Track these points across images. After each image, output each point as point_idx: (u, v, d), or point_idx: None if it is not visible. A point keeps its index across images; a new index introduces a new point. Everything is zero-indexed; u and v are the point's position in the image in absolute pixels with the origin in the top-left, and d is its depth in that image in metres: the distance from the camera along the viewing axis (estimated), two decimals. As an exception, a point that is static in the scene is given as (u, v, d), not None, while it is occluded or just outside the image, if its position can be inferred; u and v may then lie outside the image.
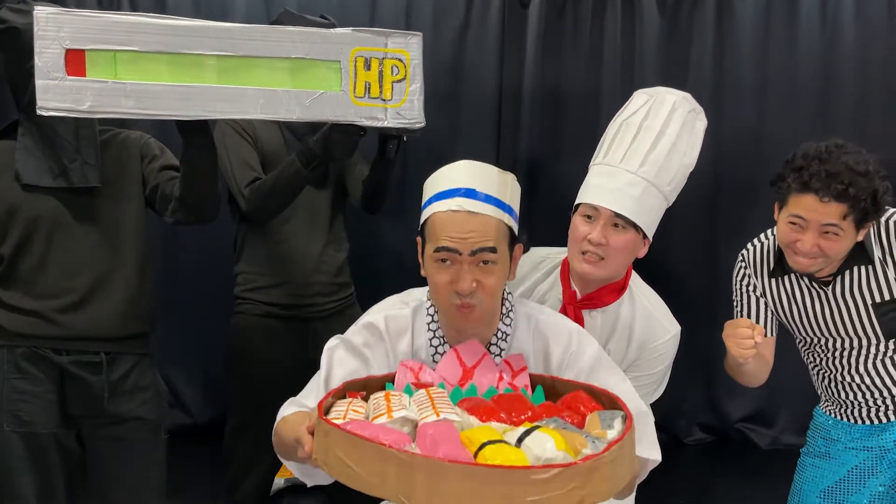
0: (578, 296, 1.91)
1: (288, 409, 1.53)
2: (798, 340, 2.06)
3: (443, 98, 3.46)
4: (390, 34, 1.85)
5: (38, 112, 1.68)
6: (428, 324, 1.58)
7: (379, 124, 1.88)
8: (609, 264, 1.85)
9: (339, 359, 1.54)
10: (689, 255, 3.56)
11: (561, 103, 3.48)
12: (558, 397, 1.46)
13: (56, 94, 1.69)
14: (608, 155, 1.91)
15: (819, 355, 2.02)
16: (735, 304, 2.07)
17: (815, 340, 1.99)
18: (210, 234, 3.01)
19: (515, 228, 1.55)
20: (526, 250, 1.63)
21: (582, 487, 1.16)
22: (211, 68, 1.77)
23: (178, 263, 3.52)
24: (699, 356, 3.56)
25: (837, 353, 1.98)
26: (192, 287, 3.49)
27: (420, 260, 1.55)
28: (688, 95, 2.00)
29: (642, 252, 1.91)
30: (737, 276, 2.05)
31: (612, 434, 1.31)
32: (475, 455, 1.19)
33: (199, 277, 3.46)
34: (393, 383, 1.48)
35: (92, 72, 1.71)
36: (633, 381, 1.89)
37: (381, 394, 1.39)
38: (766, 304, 2.02)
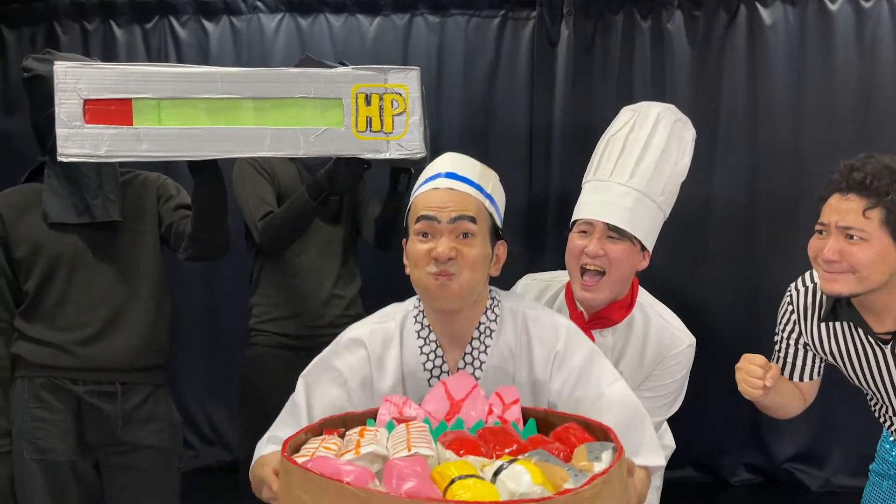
0: (586, 316, 1.90)
1: (266, 447, 1.50)
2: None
3: (474, 135, 3.52)
4: (389, 70, 1.91)
5: (59, 159, 1.80)
6: (417, 331, 1.55)
7: (381, 156, 1.93)
8: (610, 279, 1.83)
9: (320, 387, 1.52)
10: (729, 287, 3.47)
11: (592, 138, 3.43)
12: (552, 430, 1.40)
13: (75, 142, 1.80)
14: (598, 171, 1.93)
15: (879, 404, 1.83)
16: (776, 346, 1.88)
17: (874, 396, 1.81)
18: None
19: (499, 221, 1.54)
20: (510, 253, 1.60)
21: None
22: (248, 109, 1.86)
23: (220, 300, 3.62)
24: (743, 392, 3.46)
25: None
26: (232, 324, 3.58)
27: (405, 262, 1.54)
28: (672, 106, 2.00)
29: (642, 265, 1.89)
30: (781, 319, 1.85)
31: (598, 467, 1.22)
32: (444, 491, 1.13)
33: (242, 314, 3.54)
34: (375, 419, 1.43)
35: (138, 119, 1.82)
36: (650, 395, 1.88)
37: (356, 429, 1.35)
38: (813, 354, 1.83)
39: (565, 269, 1.91)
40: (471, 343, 1.54)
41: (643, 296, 1.97)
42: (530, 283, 2.06)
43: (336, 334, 2.35)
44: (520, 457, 1.24)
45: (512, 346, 1.54)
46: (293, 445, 1.31)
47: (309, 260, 2.34)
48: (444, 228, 1.46)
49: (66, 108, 1.80)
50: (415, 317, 1.57)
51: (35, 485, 1.95)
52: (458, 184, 1.50)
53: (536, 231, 3.53)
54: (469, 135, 3.52)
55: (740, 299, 3.47)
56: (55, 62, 1.82)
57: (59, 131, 1.79)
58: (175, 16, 3.69)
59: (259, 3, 3.64)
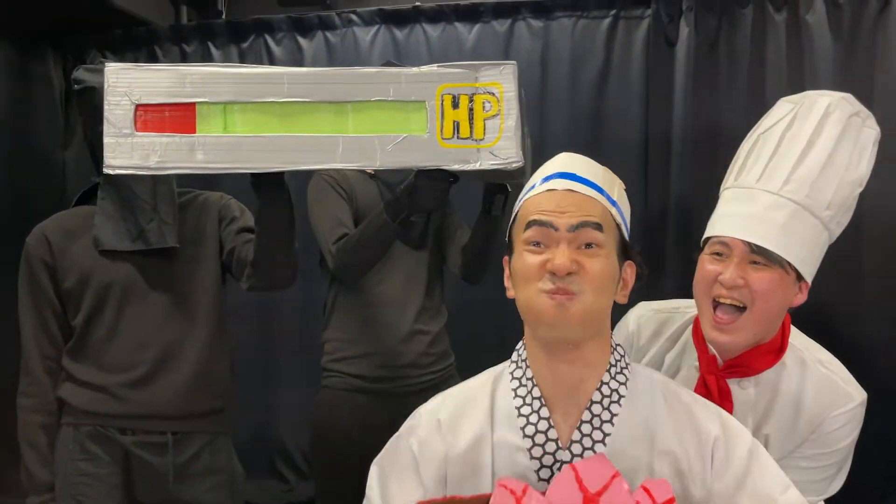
0: (720, 362, 1.52)
1: None
2: None
3: (583, 146, 3.16)
4: (480, 66, 1.62)
5: (105, 170, 1.59)
6: (514, 389, 1.20)
7: (470, 167, 1.63)
8: (753, 317, 1.44)
9: (395, 473, 1.23)
10: (888, 322, 2.92)
11: (716, 146, 3.06)
12: None
13: (123, 152, 1.60)
14: (741, 176, 1.53)
15: None
16: None
17: None
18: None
19: (626, 233, 1.23)
20: (639, 277, 1.25)
21: None
22: (325, 114, 1.62)
23: (315, 327, 3.43)
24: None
25: None
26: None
27: (507, 283, 1.24)
28: (848, 96, 1.56)
29: (798, 299, 1.48)
30: None
31: None
32: None
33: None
34: None
35: (202, 126, 1.61)
36: (806, 466, 1.49)
37: None
38: None
39: (690, 297, 1.55)
40: (590, 408, 1.17)
41: (797, 338, 1.56)
42: (647, 313, 1.69)
43: (419, 375, 2.09)
44: None
45: (647, 422, 1.18)
46: None
47: (389, 289, 2.07)
48: (562, 237, 1.15)
49: (116, 114, 1.60)
50: (511, 372, 1.23)
51: (77, 548, 1.76)
52: (579, 185, 1.20)
53: (654, 252, 3.15)
54: (577, 145, 3.10)
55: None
56: (106, 65, 1.63)
57: (107, 141, 1.59)
58: (270, 34, 3.60)
59: (353, 17, 3.49)
